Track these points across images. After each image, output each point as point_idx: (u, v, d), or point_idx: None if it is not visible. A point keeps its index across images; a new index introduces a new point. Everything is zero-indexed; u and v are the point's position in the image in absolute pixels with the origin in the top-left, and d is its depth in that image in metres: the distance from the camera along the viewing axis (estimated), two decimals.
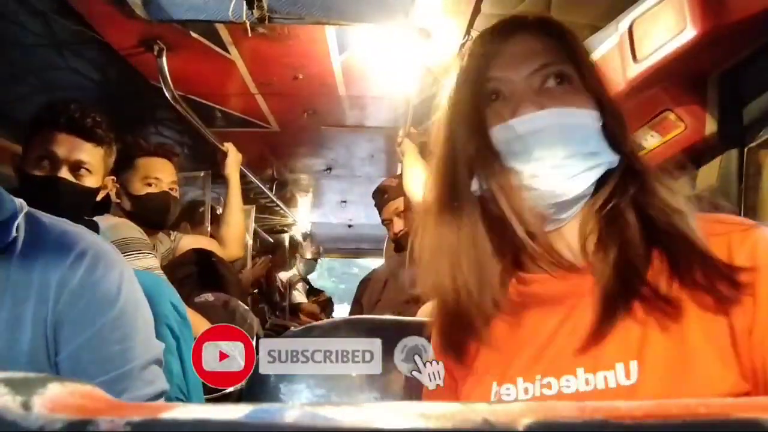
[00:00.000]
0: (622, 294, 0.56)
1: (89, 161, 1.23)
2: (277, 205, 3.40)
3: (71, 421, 0.19)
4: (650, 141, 1.25)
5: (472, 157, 0.62)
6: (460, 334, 0.65)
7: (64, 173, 1.20)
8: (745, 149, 1.04)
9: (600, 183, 0.60)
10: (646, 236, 0.59)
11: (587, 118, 0.60)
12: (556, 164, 0.58)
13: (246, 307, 1.78)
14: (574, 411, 0.19)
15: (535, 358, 0.60)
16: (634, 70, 1.09)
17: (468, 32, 1.34)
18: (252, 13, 1.27)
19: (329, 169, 2.92)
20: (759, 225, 0.57)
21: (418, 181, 1.65)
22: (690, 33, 0.95)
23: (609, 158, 0.60)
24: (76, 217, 0.88)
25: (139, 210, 1.62)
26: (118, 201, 1.64)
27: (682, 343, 0.53)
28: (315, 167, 2.92)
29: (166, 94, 1.60)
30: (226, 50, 1.55)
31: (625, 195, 0.60)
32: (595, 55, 1.24)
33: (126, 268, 0.77)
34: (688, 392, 0.51)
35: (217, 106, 1.97)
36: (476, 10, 1.25)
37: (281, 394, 0.95)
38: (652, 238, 0.58)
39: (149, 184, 1.64)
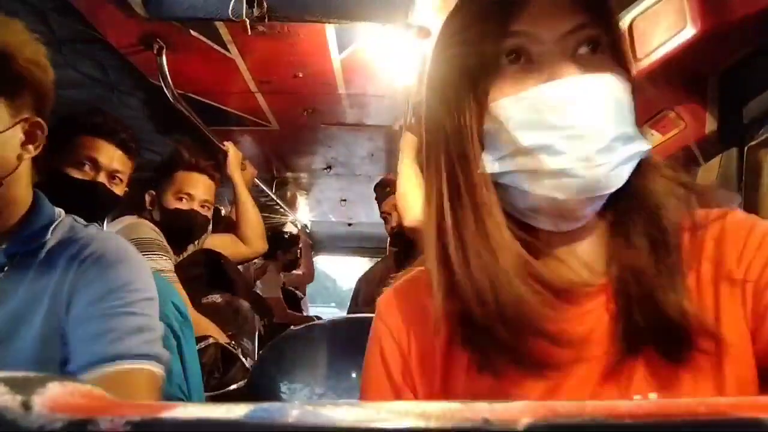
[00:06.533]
0: (640, 321, 0.47)
1: (123, 171, 1.34)
2: (277, 204, 3.40)
3: (71, 421, 0.19)
4: (650, 139, 1.25)
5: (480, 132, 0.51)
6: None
7: (102, 179, 1.30)
8: (745, 148, 1.04)
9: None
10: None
11: (626, 94, 0.49)
12: (603, 147, 0.45)
13: (250, 307, 1.79)
14: (574, 410, 0.19)
15: (552, 387, 0.50)
16: (634, 69, 1.09)
17: None
18: (252, 12, 1.27)
19: (329, 167, 2.91)
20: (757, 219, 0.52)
21: (412, 190, 1.55)
22: (690, 31, 0.95)
23: (644, 144, 0.49)
24: (101, 219, 0.94)
25: (166, 223, 1.63)
26: (151, 209, 1.66)
27: (713, 379, 0.46)
28: (315, 166, 2.92)
29: (166, 93, 1.60)
30: (226, 48, 1.54)
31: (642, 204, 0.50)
32: None
33: (142, 260, 0.82)
34: None
35: (217, 105, 1.97)
36: None
37: (282, 393, 0.95)
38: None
39: (180, 199, 1.65)
